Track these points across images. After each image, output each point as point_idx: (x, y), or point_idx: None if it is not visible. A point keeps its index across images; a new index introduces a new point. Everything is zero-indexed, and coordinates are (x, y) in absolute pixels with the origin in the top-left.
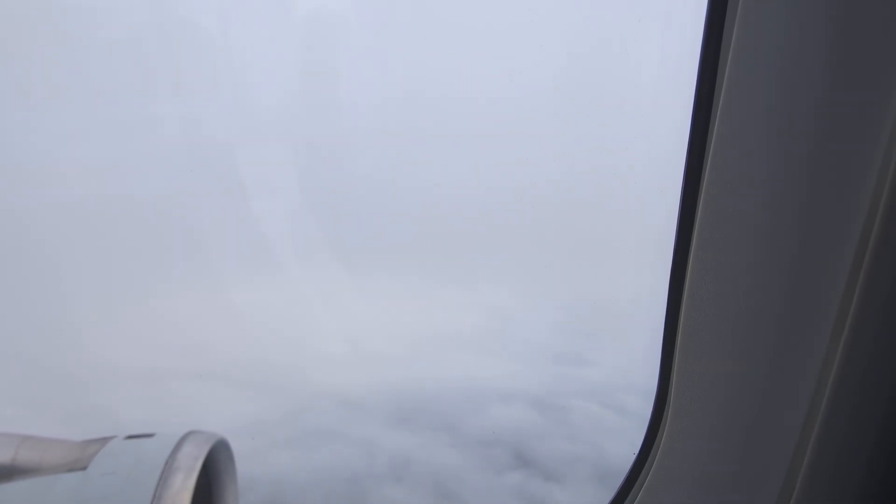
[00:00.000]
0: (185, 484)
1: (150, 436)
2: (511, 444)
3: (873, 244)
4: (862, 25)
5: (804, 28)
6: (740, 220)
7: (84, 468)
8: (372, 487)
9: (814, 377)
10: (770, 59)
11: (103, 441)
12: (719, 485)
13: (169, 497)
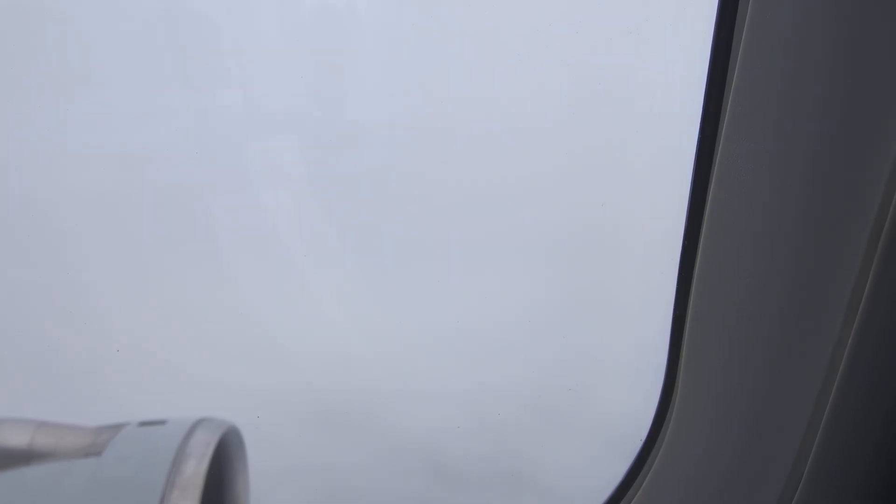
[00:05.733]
0: (197, 470)
1: (162, 422)
2: (426, 448)
3: (885, 238)
4: (874, 20)
5: (815, 24)
6: (750, 214)
7: (99, 454)
8: (253, 492)
9: (822, 371)
10: (780, 53)
11: (117, 427)
12: (725, 476)
13: (181, 482)
